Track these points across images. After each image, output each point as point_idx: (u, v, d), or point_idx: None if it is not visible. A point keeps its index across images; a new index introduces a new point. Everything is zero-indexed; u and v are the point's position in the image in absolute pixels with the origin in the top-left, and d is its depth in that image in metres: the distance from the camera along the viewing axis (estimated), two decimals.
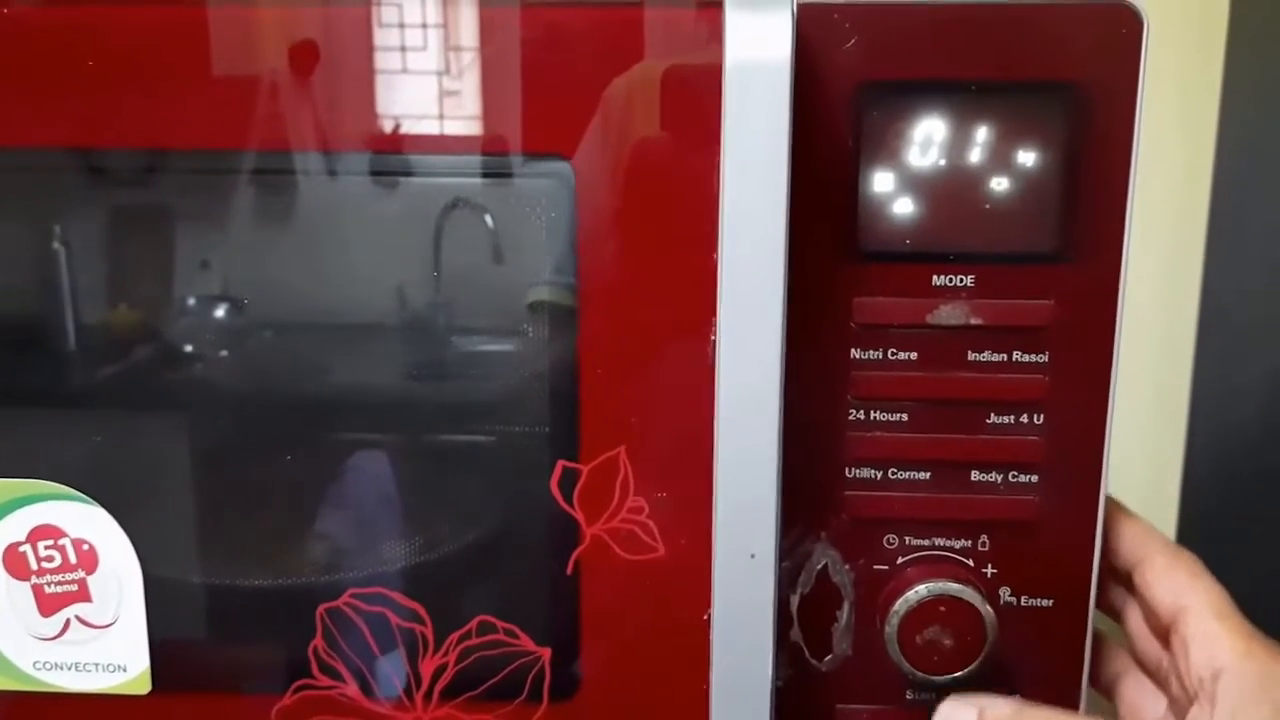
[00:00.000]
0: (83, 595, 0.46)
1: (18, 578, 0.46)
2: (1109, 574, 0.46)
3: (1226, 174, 0.70)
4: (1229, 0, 0.69)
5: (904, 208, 0.42)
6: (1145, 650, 0.46)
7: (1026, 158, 0.41)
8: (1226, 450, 0.71)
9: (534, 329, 0.44)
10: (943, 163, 0.41)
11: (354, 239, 0.46)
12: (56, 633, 0.46)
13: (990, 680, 0.44)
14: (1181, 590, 0.43)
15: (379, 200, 0.44)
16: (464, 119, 0.42)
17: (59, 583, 0.46)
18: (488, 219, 0.44)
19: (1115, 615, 0.48)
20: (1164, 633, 0.44)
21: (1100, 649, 0.48)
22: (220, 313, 0.46)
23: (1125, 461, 0.75)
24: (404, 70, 0.42)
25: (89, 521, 0.45)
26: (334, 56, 0.42)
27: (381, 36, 0.42)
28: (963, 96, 0.41)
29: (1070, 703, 0.45)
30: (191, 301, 0.46)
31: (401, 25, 0.42)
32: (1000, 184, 0.41)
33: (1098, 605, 0.45)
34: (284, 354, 0.47)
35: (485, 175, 0.43)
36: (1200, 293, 0.73)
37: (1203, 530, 0.74)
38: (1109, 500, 0.44)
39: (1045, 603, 0.44)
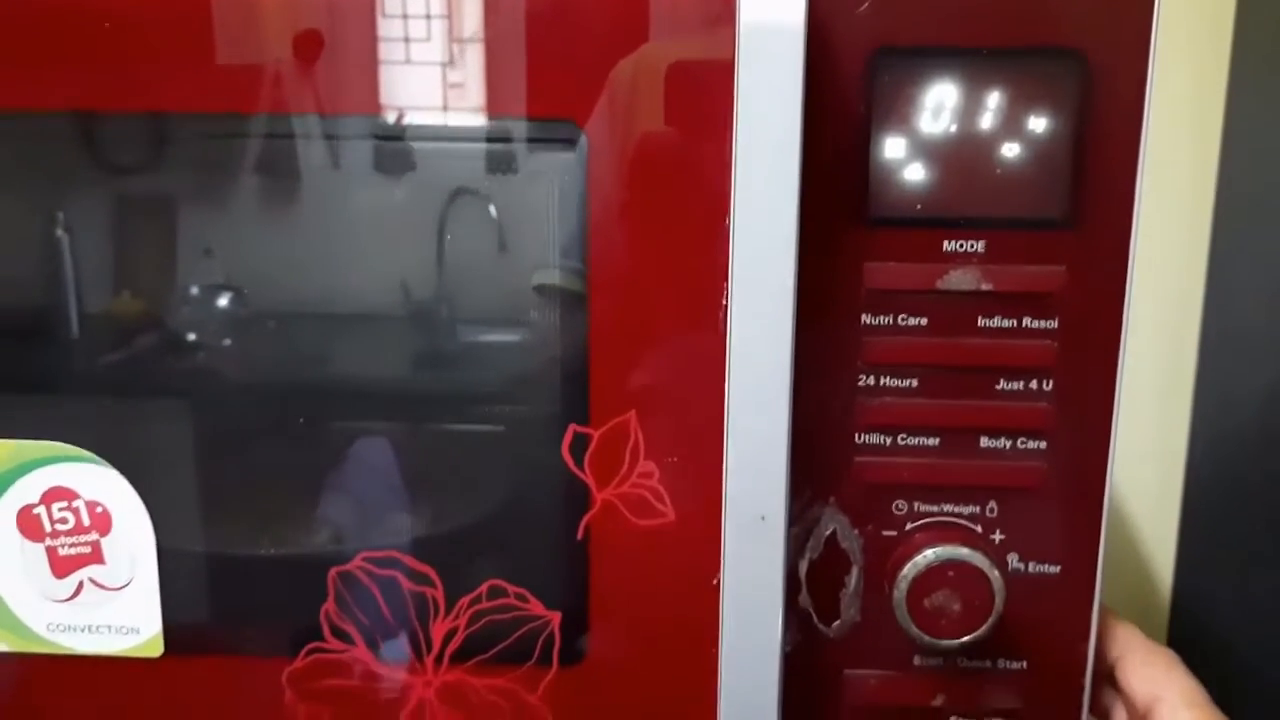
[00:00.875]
0: (96, 557, 0.46)
1: (31, 539, 0.46)
2: (1098, 677, 0.47)
3: (1236, 152, 0.70)
4: None
5: (915, 173, 0.42)
6: None
7: (1037, 124, 0.41)
8: (1227, 453, 0.71)
9: (548, 299, 0.44)
10: (954, 128, 0.41)
11: (369, 223, 0.46)
12: (69, 595, 0.47)
13: (997, 646, 0.44)
14: (1157, 682, 0.45)
15: (394, 182, 0.44)
16: (470, 104, 0.42)
17: (72, 545, 0.46)
18: (492, 208, 0.44)
19: (1104, 717, 0.49)
20: None
21: None
22: (243, 302, 0.47)
23: (1128, 463, 0.75)
24: (407, 58, 0.42)
25: (103, 484, 0.46)
26: (338, 38, 0.42)
27: (385, 26, 0.42)
28: (974, 62, 0.41)
29: (1076, 669, 0.45)
30: (219, 289, 0.47)
31: (405, 17, 0.42)
32: (1011, 150, 0.41)
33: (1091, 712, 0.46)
34: (300, 339, 0.48)
35: (490, 142, 0.43)
36: (1203, 290, 0.73)
37: (1204, 530, 0.74)
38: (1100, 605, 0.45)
39: (1052, 569, 0.44)
